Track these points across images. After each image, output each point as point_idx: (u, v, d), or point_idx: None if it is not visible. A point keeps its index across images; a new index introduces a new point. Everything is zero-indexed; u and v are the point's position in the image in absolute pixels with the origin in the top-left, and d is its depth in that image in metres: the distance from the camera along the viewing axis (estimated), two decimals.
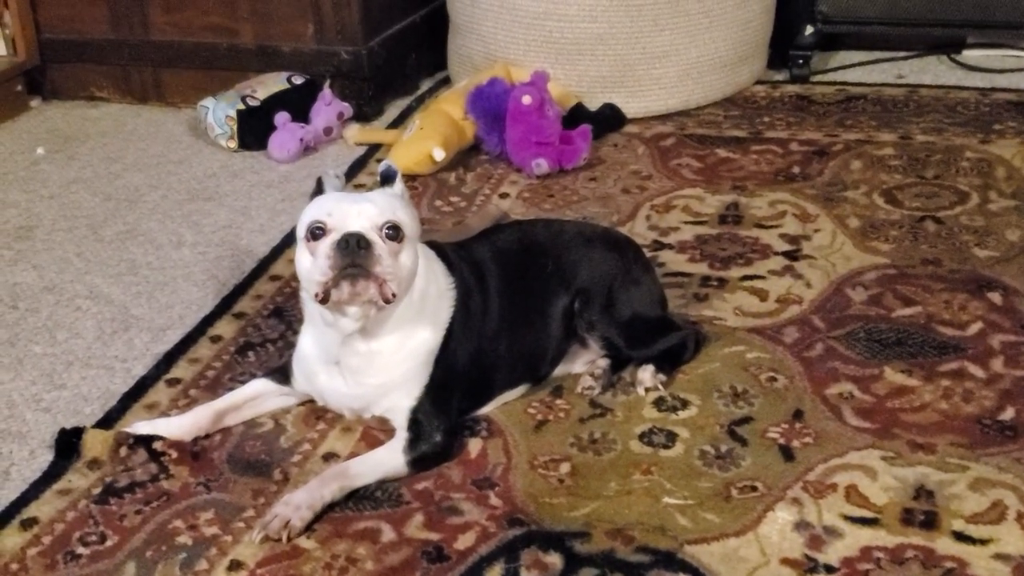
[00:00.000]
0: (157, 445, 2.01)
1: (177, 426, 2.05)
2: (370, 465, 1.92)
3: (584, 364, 2.18)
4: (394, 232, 1.87)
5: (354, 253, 1.81)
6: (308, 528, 1.81)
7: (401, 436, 1.96)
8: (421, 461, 1.94)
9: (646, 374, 2.12)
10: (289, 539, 1.78)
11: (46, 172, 3.26)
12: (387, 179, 2.00)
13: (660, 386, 2.12)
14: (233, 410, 2.09)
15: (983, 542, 1.73)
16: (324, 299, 1.85)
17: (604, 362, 2.17)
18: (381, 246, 1.84)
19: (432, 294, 1.99)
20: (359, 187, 3.03)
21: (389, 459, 1.94)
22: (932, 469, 1.88)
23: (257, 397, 2.11)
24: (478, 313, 2.05)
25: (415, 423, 1.96)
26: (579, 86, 3.30)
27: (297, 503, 1.82)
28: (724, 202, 2.82)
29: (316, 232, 1.86)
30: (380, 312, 1.91)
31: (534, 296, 2.13)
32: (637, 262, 2.26)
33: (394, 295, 1.86)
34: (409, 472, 1.93)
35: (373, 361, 1.97)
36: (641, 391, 2.11)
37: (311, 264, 1.86)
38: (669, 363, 2.16)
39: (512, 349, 2.09)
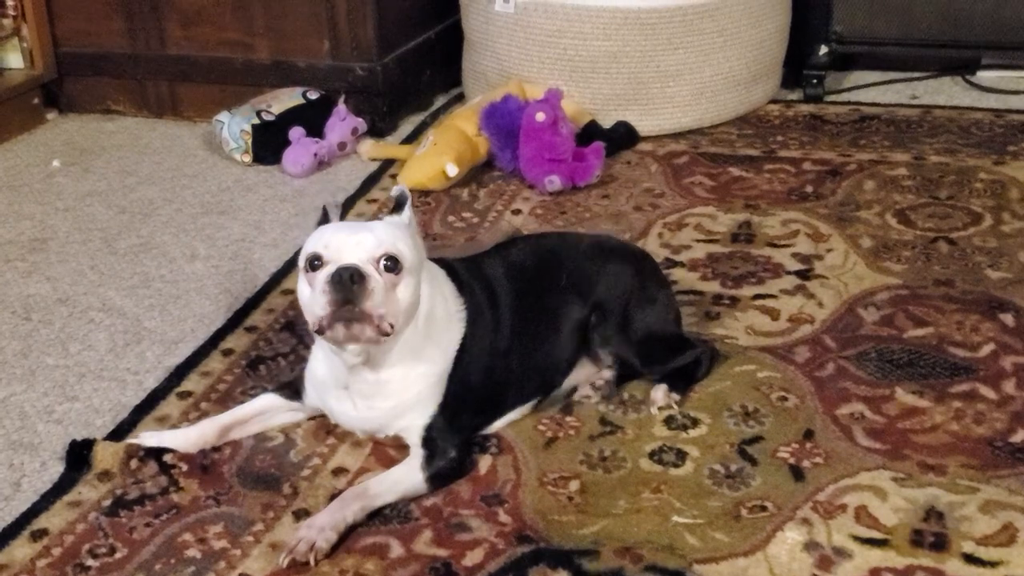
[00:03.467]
0: (167, 458, 2.01)
1: (183, 438, 2.05)
2: (389, 484, 1.92)
3: (592, 376, 2.18)
4: (392, 264, 1.85)
5: (347, 288, 1.80)
6: (334, 550, 1.80)
7: (417, 454, 1.96)
8: (439, 477, 1.94)
9: (659, 393, 2.12)
10: (316, 562, 1.77)
11: (61, 185, 3.28)
12: (400, 204, 2.00)
13: (674, 405, 2.12)
14: (239, 424, 2.09)
15: (993, 564, 1.72)
16: (320, 332, 1.86)
17: (608, 373, 2.17)
18: (376, 279, 1.83)
19: (439, 317, 1.99)
20: (372, 202, 3.04)
21: (408, 477, 1.93)
22: (942, 491, 1.88)
23: (264, 412, 2.11)
24: (490, 331, 2.05)
25: (429, 440, 1.96)
26: (593, 104, 3.30)
27: (321, 525, 1.81)
28: (736, 220, 2.82)
29: (314, 264, 1.86)
30: (382, 345, 1.90)
31: (548, 309, 2.13)
32: (654, 277, 2.27)
33: (392, 326, 1.85)
34: (428, 489, 1.93)
35: (382, 389, 1.97)
36: (654, 410, 2.11)
37: (310, 296, 1.86)
38: (683, 382, 2.16)
39: (525, 364, 2.09)
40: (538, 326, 2.11)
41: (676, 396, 2.13)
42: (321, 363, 2.03)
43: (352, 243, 1.85)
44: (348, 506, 1.85)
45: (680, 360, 2.18)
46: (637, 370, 2.17)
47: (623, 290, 2.17)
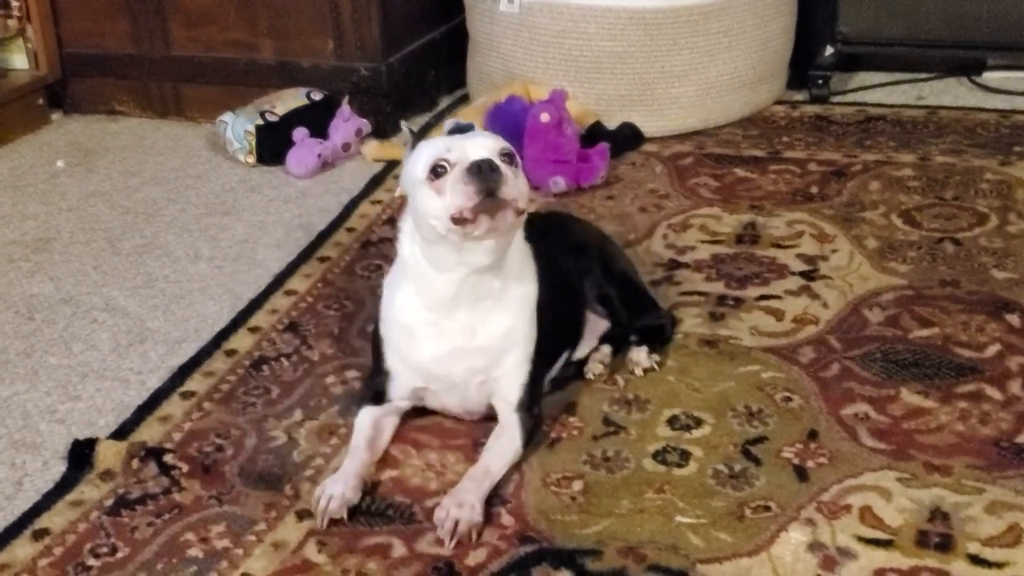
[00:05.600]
0: (169, 458, 2.00)
1: (354, 489, 1.91)
2: (503, 458, 1.96)
3: (587, 348, 2.26)
4: (509, 158, 1.90)
5: (488, 178, 1.82)
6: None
7: (512, 421, 1.99)
8: (530, 438, 2.01)
9: (641, 355, 2.23)
10: (479, 535, 1.81)
11: (65, 185, 3.28)
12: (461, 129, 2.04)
13: (656, 366, 2.22)
14: (376, 448, 2.03)
15: (999, 566, 1.71)
16: (460, 222, 1.83)
17: (608, 348, 2.25)
18: (505, 168, 1.86)
19: (524, 250, 2.04)
20: (376, 203, 3.03)
21: (511, 446, 1.98)
22: (948, 491, 1.87)
23: (378, 424, 2.06)
24: (546, 278, 2.08)
25: (524, 399, 2.01)
26: (598, 104, 3.30)
27: (471, 503, 1.84)
28: (741, 221, 2.82)
29: (439, 170, 1.86)
30: (507, 240, 1.92)
31: (557, 266, 2.18)
32: (614, 242, 2.46)
33: (524, 210, 1.88)
34: (522, 453, 1.98)
35: (504, 300, 1.97)
36: (639, 371, 2.21)
37: (439, 200, 1.85)
38: (659, 343, 2.28)
39: (565, 310, 2.17)
40: (557, 274, 2.16)
41: (656, 357, 2.23)
42: (407, 307, 2.00)
43: (473, 144, 1.90)
44: (481, 484, 1.88)
45: (654, 317, 2.31)
46: (618, 312, 2.26)
47: (595, 235, 2.37)
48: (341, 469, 1.94)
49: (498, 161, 1.85)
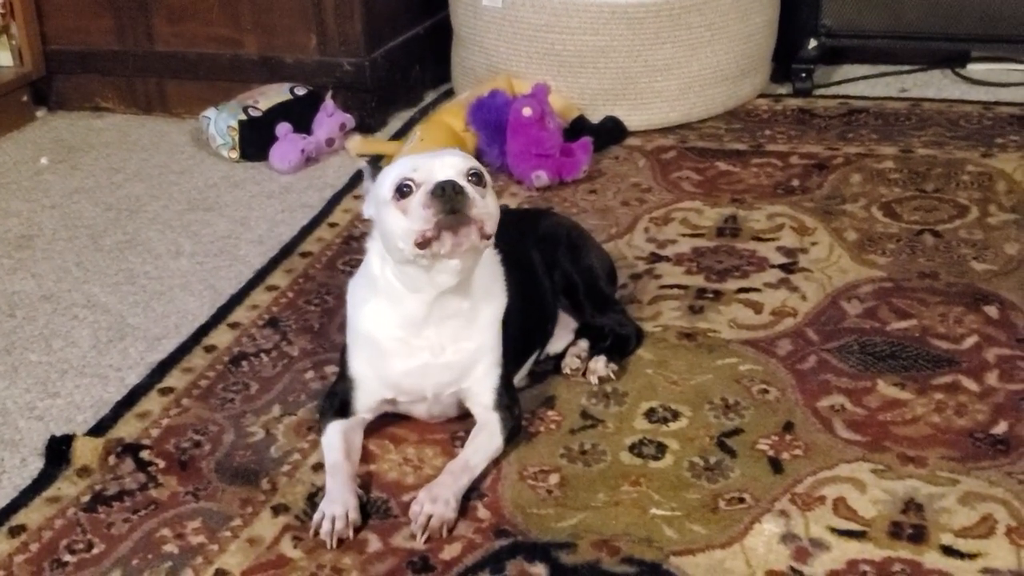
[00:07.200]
0: (145, 454, 2.01)
1: (355, 509, 1.87)
2: (483, 453, 1.96)
3: (564, 342, 2.27)
4: (477, 178, 1.87)
5: (451, 198, 1.80)
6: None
7: (492, 419, 2.00)
8: (512, 436, 2.01)
9: (599, 364, 2.19)
10: (450, 532, 1.82)
11: (49, 182, 3.28)
12: None
13: (612, 375, 2.18)
14: (354, 461, 2.00)
15: (971, 556, 1.72)
16: (424, 245, 1.83)
17: (585, 343, 2.24)
18: (472, 190, 1.84)
19: (490, 259, 2.03)
20: (359, 198, 3.02)
21: (492, 443, 1.98)
22: (922, 482, 1.87)
23: (348, 438, 2.02)
24: (514, 281, 2.07)
25: (500, 400, 2.00)
26: (581, 98, 3.30)
27: (446, 498, 1.84)
28: (723, 215, 2.82)
29: (404, 190, 1.84)
30: (473, 261, 1.91)
31: (527, 262, 2.19)
32: (589, 234, 2.44)
33: (491, 233, 1.87)
34: (503, 448, 1.99)
35: (473, 319, 1.97)
36: (594, 380, 2.18)
37: (404, 221, 1.84)
38: (618, 354, 2.23)
39: (532, 313, 2.15)
40: (526, 276, 2.15)
41: (614, 367, 2.20)
42: (376, 322, 1.98)
43: (440, 163, 1.87)
44: (459, 479, 1.88)
45: (618, 324, 2.26)
46: (584, 310, 2.26)
47: (562, 225, 2.36)
48: (332, 490, 1.88)
49: (464, 182, 1.83)
